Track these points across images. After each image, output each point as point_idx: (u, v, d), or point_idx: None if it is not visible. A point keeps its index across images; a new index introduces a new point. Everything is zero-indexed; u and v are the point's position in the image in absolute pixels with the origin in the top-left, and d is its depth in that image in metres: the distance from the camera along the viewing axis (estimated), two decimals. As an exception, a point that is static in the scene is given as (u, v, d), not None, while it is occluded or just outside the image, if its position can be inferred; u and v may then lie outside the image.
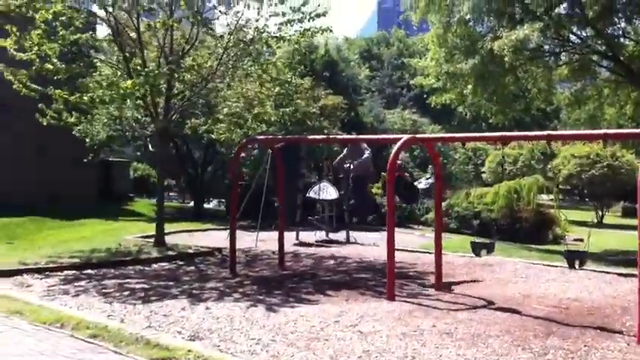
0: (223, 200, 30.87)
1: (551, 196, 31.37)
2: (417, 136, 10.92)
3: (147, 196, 32.42)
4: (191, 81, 15.75)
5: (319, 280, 11.96)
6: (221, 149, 25.90)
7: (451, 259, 14.53)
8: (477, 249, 10.70)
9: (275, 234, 18.41)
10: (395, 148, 10.27)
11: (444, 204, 27.17)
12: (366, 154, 15.82)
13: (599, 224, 35.55)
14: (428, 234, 21.35)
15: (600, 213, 39.31)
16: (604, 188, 38.21)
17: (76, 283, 11.04)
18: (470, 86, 20.17)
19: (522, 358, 7.15)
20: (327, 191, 18.60)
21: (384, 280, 11.58)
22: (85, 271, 12.22)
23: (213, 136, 18.45)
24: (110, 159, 32.25)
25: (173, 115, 15.71)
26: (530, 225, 24.75)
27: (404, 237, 20.02)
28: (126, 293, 10.25)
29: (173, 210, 28.15)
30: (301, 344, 7.49)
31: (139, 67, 14.70)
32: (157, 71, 13.97)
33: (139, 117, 17.68)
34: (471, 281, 11.96)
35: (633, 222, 35.11)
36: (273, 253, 15.36)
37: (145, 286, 10.97)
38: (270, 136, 14.54)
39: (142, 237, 16.89)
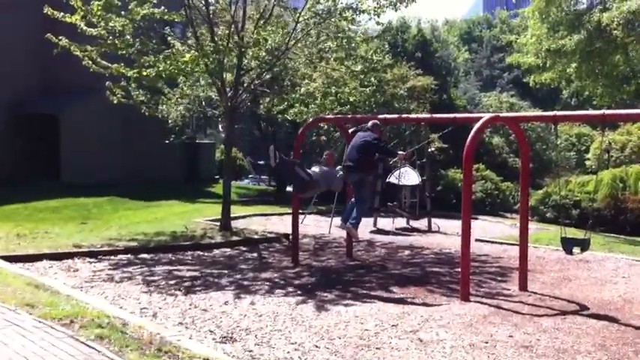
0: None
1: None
2: (501, 115, 9.46)
3: (233, 179, 32.05)
4: (263, 58, 14.83)
5: (387, 273, 10.75)
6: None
7: (542, 254, 12.96)
8: (568, 246, 9.17)
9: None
10: (475, 127, 8.91)
11: (540, 192, 25.38)
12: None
13: None
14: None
15: None
16: None
17: (124, 269, 10.35)
18: (574, 64, 18.21)
19: (618, 383, 5.76)
20: (408, 176, 17.28)
21: (459, 277, 10.29)
22: (139, 256, 11.54)
23: (287, 117, 17.52)
24: (197, 141, 32.10)
25: (242, 93, 14.84)
26: (637, 216, 22.67)
27: (493, 227, 18.53)
28: (172, 282, 9.44)
29: (255, 192, 27.59)
30: (348, 353, 6.37)
31: (208, 43, 13.94)
32: (220, 46, 13.13)
33: (212, 96, 16.96)
34: (563, 280, 10.43)
35: None
36: (345, 240, 14.30)
37: (196, 274, 10.14)
38: (340, 116, 13.36)
39: (213, 220, 16.17)
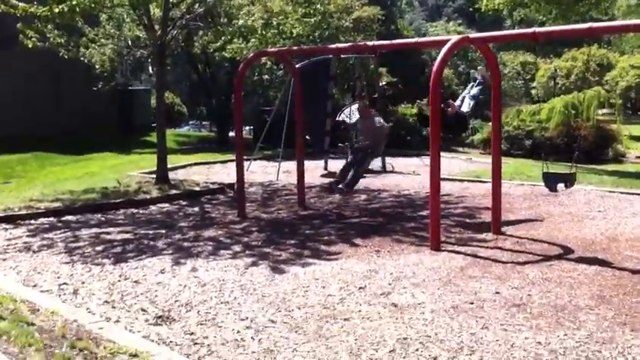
0: (249, 127, 28.77)
1: (605, 111, 28.39)
2: (470, 35, 8.34)
3: (171, 126, 30.31)
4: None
5: (345, 222, 9.66)
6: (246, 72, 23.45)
7: (507, 190, 12.05)
8: (551, 182, 8.25)
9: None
10: (443, 50, 7.76)
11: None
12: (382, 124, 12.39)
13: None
14: (475, 158, 18.90)
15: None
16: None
17: (45, 235, 8.97)
18: None
19: (638, 346, 4.81)
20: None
21: (425, 221, 9.30)
22: (64, 218, 10.13)
23: (225, 54, 16.05)
24: (130, 87, 30.09)
25: (172, 30, 13.28)
26: (590, 143, 22.30)
27: (448, 162, 17.54)
28: (99, 248, 8.14)
29: (195, 139, 26.09)
30: (310, 328, 5.27)
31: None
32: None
33: (140, 35, 15.30)
34: (537, 219, 9.53)
35: None
36: (296, 187, 13.18)
37: (128, 236, 8.84)
38: (284, 48, 11.97)
39: (149, 172, 14.75)
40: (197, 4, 13.51)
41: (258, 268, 7.04)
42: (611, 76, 41.03)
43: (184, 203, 11.55)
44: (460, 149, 23.81)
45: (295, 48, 11.85)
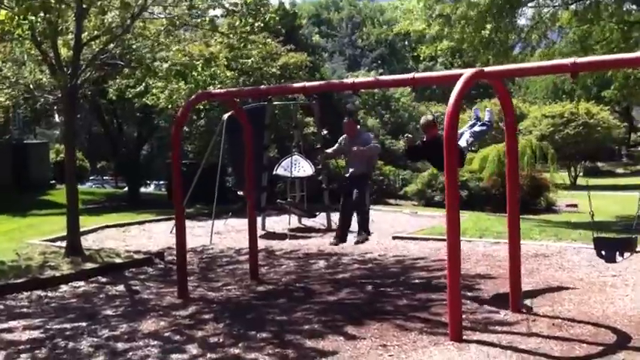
0: (163, 182, 26.45)
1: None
2: (486, 69, 6.81)
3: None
4: (109, 24, 11.16)
5: (320, 301, 7.68)
6: (160, 122, 21.28)
7: (485, 249, 10.56)
8: (608, 250, 6.61)
9: (234, 222, 14.22)
10: (458, 85, 6.07)
11: (425, 174, 23.40)
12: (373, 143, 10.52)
13: (573, 186, 33.10)
14: (421, 211, 17.50)
15: (574, 174, 37.86)
16: (578, 148, 36.72)
17: None
18: (490, 26, 16.07)
19: None
20: (299, 166, 14.34)
21: (419, 296, 7.59)
22: (-55, 309, 7.70)
23: (147, 101, 13.91)
24: (25, 141, 27.10)
25: (84, 71, 11.10)
26: (527, 193, 21.77)
27: (394, 217, 16.12)
28: (-3, 358, 5.84)
29: (104, 197, 23.41)
30: None
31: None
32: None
33: (44, 79, 12.96)
34: (548, 289, 7.92)
35: (607, 182, 32.41)
36: (236, 252, 11.21)
37: (37, 334, 6.52)
38: (233, 89, 10.08)
39: (55, 239, 12.31)
40: (112, 44, 11.43)
41: (234, 385, 4.97)
42: (524, 125, 41.30)
43: (104, 280, 9.24)
44: (392, 201, 22.45)
45: (247, 89, 9.97)
